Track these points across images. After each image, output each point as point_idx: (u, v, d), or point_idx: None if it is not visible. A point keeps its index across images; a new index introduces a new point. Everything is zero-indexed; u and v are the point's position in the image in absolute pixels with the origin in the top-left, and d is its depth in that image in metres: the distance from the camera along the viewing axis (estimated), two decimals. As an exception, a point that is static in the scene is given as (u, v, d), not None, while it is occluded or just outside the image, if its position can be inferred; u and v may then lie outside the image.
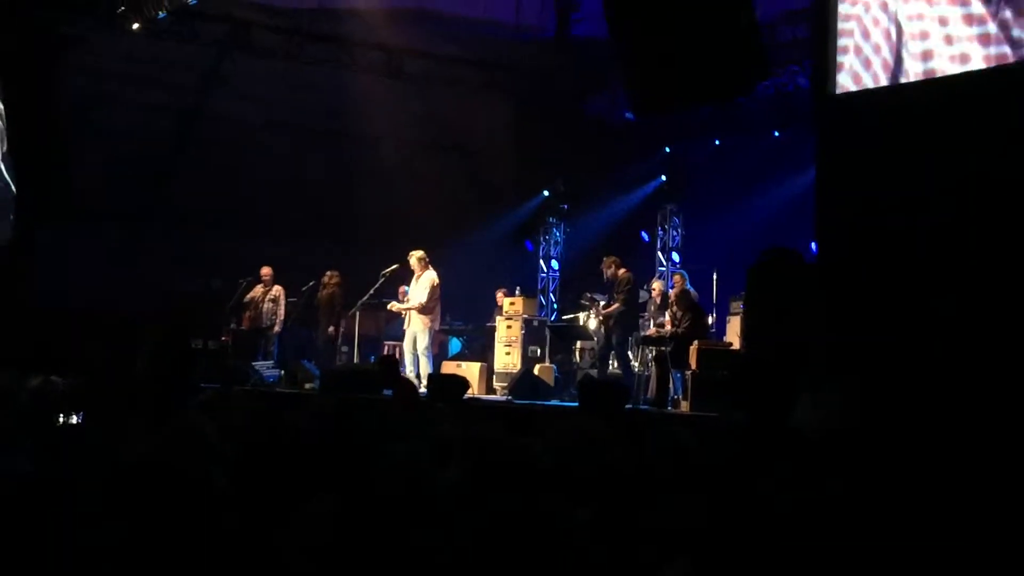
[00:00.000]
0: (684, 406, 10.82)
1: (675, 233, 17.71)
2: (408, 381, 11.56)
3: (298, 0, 15.99)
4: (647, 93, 10.20)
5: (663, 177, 17.83)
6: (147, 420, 5.28)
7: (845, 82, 8.82)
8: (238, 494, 3.52)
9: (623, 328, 12.97)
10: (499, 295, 15.83)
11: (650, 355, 12.54)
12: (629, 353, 13.32)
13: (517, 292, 15.84)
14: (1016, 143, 7.61)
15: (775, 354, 8.66)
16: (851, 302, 8.41)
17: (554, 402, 12.09)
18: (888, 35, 8.51)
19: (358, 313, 14.52)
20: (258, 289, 14.70)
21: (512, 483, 3.54)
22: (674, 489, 3.65)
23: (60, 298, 14.37)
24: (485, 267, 17.23)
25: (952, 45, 7.98)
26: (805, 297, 8.75)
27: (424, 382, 12.42)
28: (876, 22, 8.61)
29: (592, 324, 14.04)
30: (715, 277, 14.39)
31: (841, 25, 8.82)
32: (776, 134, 15.53)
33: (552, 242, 18.66)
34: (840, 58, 8.83)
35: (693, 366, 10.96)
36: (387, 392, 10.69)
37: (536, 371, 13.61)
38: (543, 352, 14.83)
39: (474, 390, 13.01)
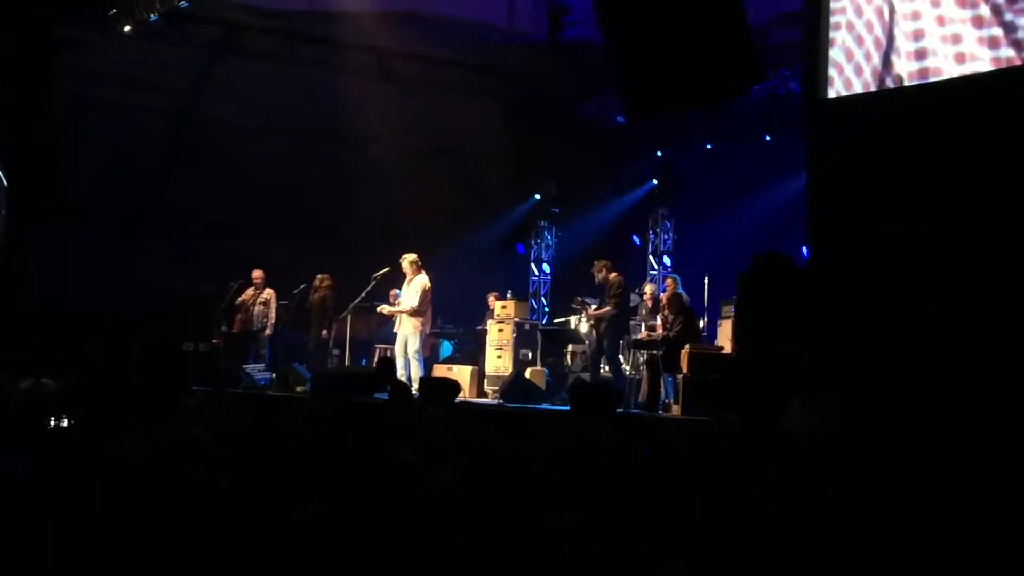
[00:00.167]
0: (675, 410, 10.82)
1: (667, 237, 17.73)
2: (403, 383, 11.56)
3: (290, 2, 15.97)
4: (639, 97, 10.22)
5: (655, 181, 17.85)
6: (139, 422, 5.28)
7: (836, 86, 8.84)
8: (232, 497, 3.51)
9: (614, 332, 12.97)
10: (490, 298, 15.83)
11: (641, 359, 12.54)
12: (620, 357, 13.32)
13: (509, 295, 15.84)
14: (1007, 146, 7.65)
15: (767, 358, 8.68)
16: (842, 306, 8.42)
17: (545, 406, 12.08)
18: (879, 41, 8.53)
19: (350, 316, 14.52)
20: (249, 292, 14.70)
21: (505, 486, 3.55)
22: (666, 493, 3.65)
23: (54, 299, 14.37)
24: (477, 270, 17.25)
25: (953, 44, 7.99)
26: (796, 301, 8.77)
27: (415, 385, 12.41)
28: (870, 26, 8.63)
29: (583, 328, 14.04)
30: (706, 281, 14.41)
31: (833, 29, 8.84)
32: (768, 138, 15.56)
33: (544, 245, 18.67)
34: (831, 61, 8.85)
35: (684, 370, 10.97)
36: (379, 396, 10.68)
37: (527, 375, 13.60)
38: (534, 356, 14.83)
39: (465, 394, 13.00)
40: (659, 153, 17.69)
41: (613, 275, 13.10)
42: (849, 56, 8.75)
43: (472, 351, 15.97)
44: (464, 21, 16.35)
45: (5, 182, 13.83)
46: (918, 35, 8.27)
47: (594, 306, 13.40)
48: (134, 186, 16.03)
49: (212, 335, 14.70)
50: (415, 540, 3.19)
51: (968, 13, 7.92)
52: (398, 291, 14.26)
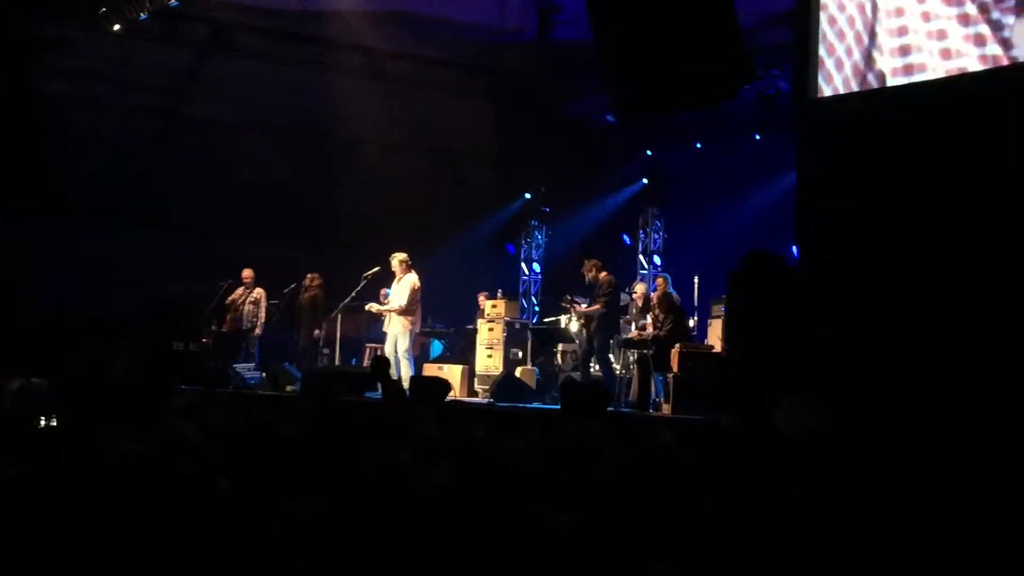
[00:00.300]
0: (666, 409, 10.84)
1: (657, 236, 17.74)
2: (397, 382, 11.54)
3: (280, 2, 15.95)
4: (629, 97, 10.24)
5: (645, 180, 17.85)
6: (129, 422, 5.27)
7: (823, 85, 8.87)
8: (224, 495, 3.51)
9: (605, 331, 12.97)
10: (481, 298, 15.82)
11: (632, 358, 12.55)
12: (611, 356, 13.32)
13: (499, 295, 15.83)
14: (997, 145, 7.68)
15: (757, 357, 8.70)
16: (832, 305, 8.45)
17: (536, 405, 12.08)
18: (859, 36, 8.55)
19: (340, 315, 14.50)
20: (239, 291, 14.66)
21: (496, 485, 3.55)
22: (658, 491, 3.66)
23: (42, 299, 14.30)
24: (467, 270, 17.23)
25: (939, 40, 8.02)
26: (786, 300, 8.79)
27: (405, 384, 12.39)
28: (851, 21, 8.66)
29: (574, 327, 14.04)
30: (696, 280, 14.42)
31: (822, 28, 8.87)
32: (757, 138, 15.58)
33: (534, 245, 18.67)
34: (819, 59, 8.88)
35: (675, 369, 10.98)
36: (369, 395, 10.67)
37: (518, 374, 13.61)
38: (525, 355, 14.83)
39: (456, 393, 13.01)
40: (649, 152, 17.69)
41: (603, 274, 13.10)
42: (831, 51, 8.77)
43: (462, 350, 15.96)
44: (454, 21, 16.34)
45: None
46: (902, 31, 8.29)
47: (583, 304, 13.39)
48: (123, 185, 15.96)
49: (202, 334, 14.66)
50: (407, 539, 3.19)
51: (954, 10, 7.95)
52: (388, 290, 14.24)
